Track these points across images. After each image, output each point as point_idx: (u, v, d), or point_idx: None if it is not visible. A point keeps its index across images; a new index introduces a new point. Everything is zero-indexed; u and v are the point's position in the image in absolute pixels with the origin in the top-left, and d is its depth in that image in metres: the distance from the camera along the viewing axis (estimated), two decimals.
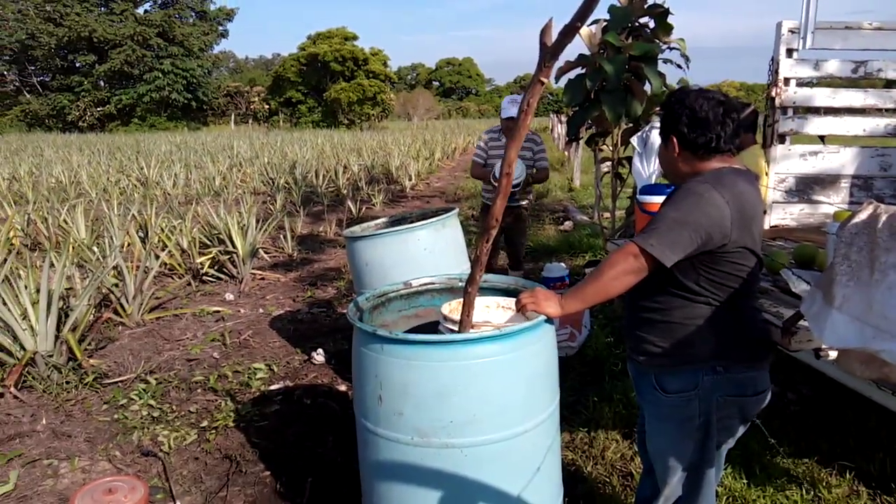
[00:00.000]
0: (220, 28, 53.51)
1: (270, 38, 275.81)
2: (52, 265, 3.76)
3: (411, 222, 3.36)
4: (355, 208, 9.38)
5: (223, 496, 2.46)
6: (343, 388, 3.44)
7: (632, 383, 3.07)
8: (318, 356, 3.82)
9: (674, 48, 4.17)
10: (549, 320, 1.76)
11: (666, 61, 4.22)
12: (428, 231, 3.15)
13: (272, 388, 3.44)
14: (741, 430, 1.73)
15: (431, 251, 3.12)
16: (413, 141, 22.65)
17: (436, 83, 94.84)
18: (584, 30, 4.24)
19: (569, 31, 1.06)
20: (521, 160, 4.04)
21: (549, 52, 1.11)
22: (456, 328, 1.84)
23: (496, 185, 3.77)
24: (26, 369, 3.38)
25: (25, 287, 3.62)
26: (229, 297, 5.22)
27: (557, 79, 4.19)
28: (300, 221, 8.06)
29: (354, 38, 51.02)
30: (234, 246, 5.69)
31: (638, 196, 2.95)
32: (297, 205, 9.96)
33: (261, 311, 4.87)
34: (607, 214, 6.80)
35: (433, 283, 2.27)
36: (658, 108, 4.22)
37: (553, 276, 4.08)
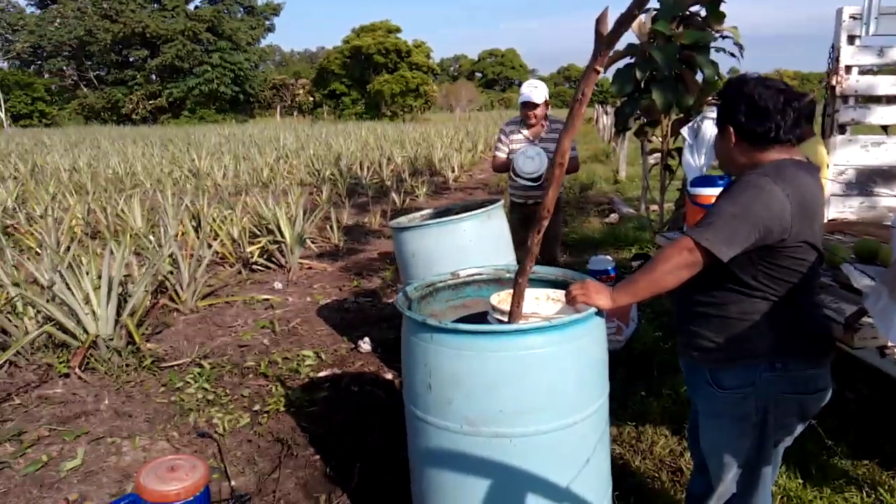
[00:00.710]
0: (267, 22, 54.53)
1: (315, 32, 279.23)
2: (111, 253, 3.91)
3: (456, 213, 3.37)
4: (399, 199, 9.45)
5: (275, 478, 2.53)
6: (389, 376, 3.49)
7: (683, 378, 3.04)
8: (365, 345, 3.88)
9: (727, 36, 4.06)
10: (600, 313, 1.75)
11: (718, 50, 4.12)
12: (473, 222, 3.16)
13: (320, 375, 3.51)
14: (799, 429, 1.69)
15: (476, 242, 3.13)
16: (456, 132, 22.63)
17: (478, 74, 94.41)
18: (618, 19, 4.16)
19: (626, 20, 1.05)
20: (547, 153, 3.79)
21: (605, 41, 1.10)
22: (504, 319, 1.85)
23: (517, 180, 3.72)
24: (89, 352, 3.54)
25: (87, 273, 3.79)
26: (278, 285, 5.34)
27: (605, 69, 4.13)
28: (345, 212, 8.18)
29: (398, 30, 51.27)
30: (282, 236, 5.82)
31: (689, 188, 2.89)
32: (343, 196, 10.10)
33: (308, 299, 4.97)
34: (655, 207, 6.68)
35: (480, 274, 2.28)
36: (710, 98, 4.12)
37: (599, 269, 4.04)
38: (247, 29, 51.36)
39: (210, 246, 5.43)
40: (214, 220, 6.55)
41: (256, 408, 3.10)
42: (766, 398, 1.59)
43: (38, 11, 52.03)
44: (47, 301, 3.59)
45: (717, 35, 3.89)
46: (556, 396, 1.68)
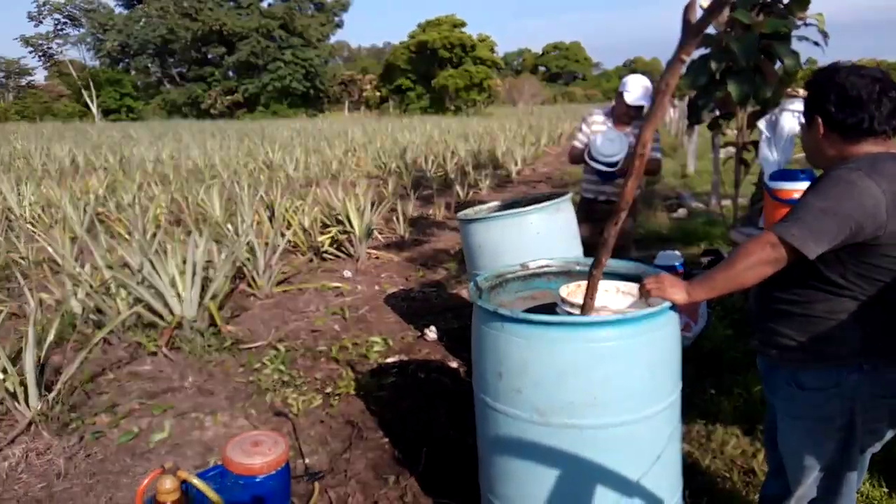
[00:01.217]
0: (336, 19, 55.62)
1: (382, 28, 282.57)
2: (195, 240, 4.13)
3: (524, 206, 3.38)
4: (463, 192, 9.51)
5: (347, 458, 2.63)
6: (454, 364, 3.55)
7: (755, 377, 2.95)
8: (431, 333, 3.96)
9: (810, 24, 3.88)
10: (674, 307, 1.74)
11: (800, 38, 3.94)
12: (541, 215, 3.17)
13: (388, 361, 3.61)
14: (890, 435, 1.63)
15: (544, 235, 3.14)
16: (519, 126, 22.47)
17: (542, 68, 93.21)
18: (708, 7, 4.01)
19: (716, 7, 1.05)
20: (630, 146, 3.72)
21: (692, 30, 1.10)
22: (573, 310, 1.86)
23: (592, 163, 3.58)
24: (174, 332, 3.77)
25: (172, 259, 4.02)
26: (347, 274, 5.50)
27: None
28: (411, 204, 8.30)
29: (463, 24, 51.26)
30: (351, 226, 5.97)
31: (769, 182, 2.80)
32: (408, 188, 10.25)
33: (376, 288, 5.10)
34: (727, 202, 6.47)
35: (550, 266, 2.29)
36: (789, 90, 3.95)
37: (666, 264, 3.96)
38: (317, 25, 52.61)
39: (283, 235, 5.65)
40: (287, 210, 6.80)
41: (328, 390, 3.22)
42: (853, 400, 1.54)
43: (126, 11, 55.02)
44: (137, 284, 3.83)
45: (799, 23, 3.73)
46: (627, 390, 1.68)
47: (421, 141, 16.84)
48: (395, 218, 7.25)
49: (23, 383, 2.80)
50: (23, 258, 5.63)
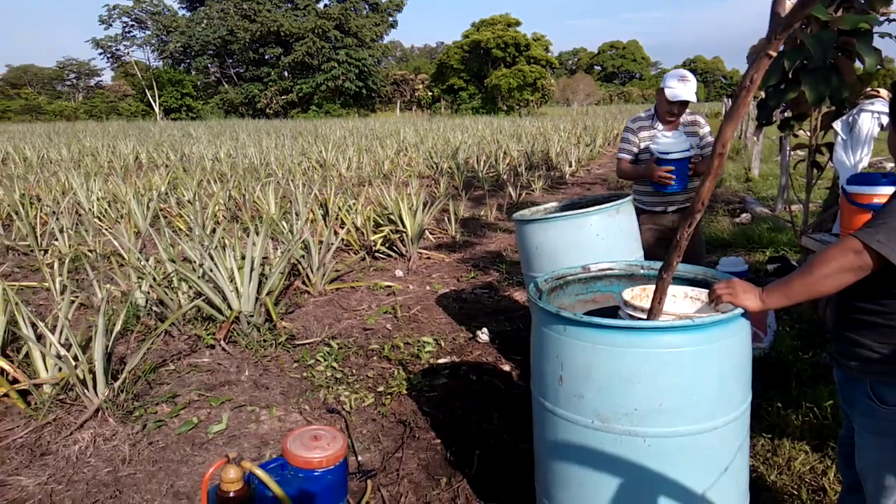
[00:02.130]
0: (390, 19, 56.21)
1: (435, 27, 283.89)
2: (254, 237, 4.22)
3: (582, 207, 3.31)
4: (515, 193, 9.44)
5: (399, 457, 2.63)
6: (507, 368, 3.51)
7: (825, 391, 2.81)
8: (483, 335, 3.92)
9: (894, 20, 3.67)
10: (746, 314, 1.66)
11: (883, 35, 3.73)
12: (601, 217, 3.09)
13: (440, 361, 3.60)
14: None
15: (603, 237, 3.06)
16: (573, 127, 22.19)
17: (597, 67, 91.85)
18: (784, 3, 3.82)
19: (809, 1, 0.98)
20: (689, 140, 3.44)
21: (782, 23, 1.04)
22: (638, 315, 1.80)
23: (662, 163, 3.37)
24: (232, 326, 3.85)
25: (230, 255, 4.11)
26: (398, 273, 5.52)
27: (749, 60, 3.85)
28: (462, 205, 8.29)
29: (517, 23, 50.97)
30: (403, 226, 6.00)
31: (846, 186, 2.65)
32: (460, 189, 10.25)
33: (427, 288, 5.10)
34: (795, 206, 6.19)
35: (612, 269, 2.23)
36: (868, 89, 3.74)
37: (729, 271, 3.81)
38: (371, 26, 53.35)
39: (336, 233, 5.72)
40: (340, 209, 6.89)
41: (380, 389, 3.23)
42: None
43: (189, 13, 57.07)
44: (198, 278, 3.94)
45: (882, 19, 3.52)
46: (694, 399, 1.61)
47: (473, 141, 16.82)
48: (446, 218, 7.25)
49: (91, 371, 2.91)
50: (91, 251, 5.88)
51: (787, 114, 3.99)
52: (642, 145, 3.57)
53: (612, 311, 2.08)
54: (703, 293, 1.83)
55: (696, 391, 1.61)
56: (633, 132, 3.59)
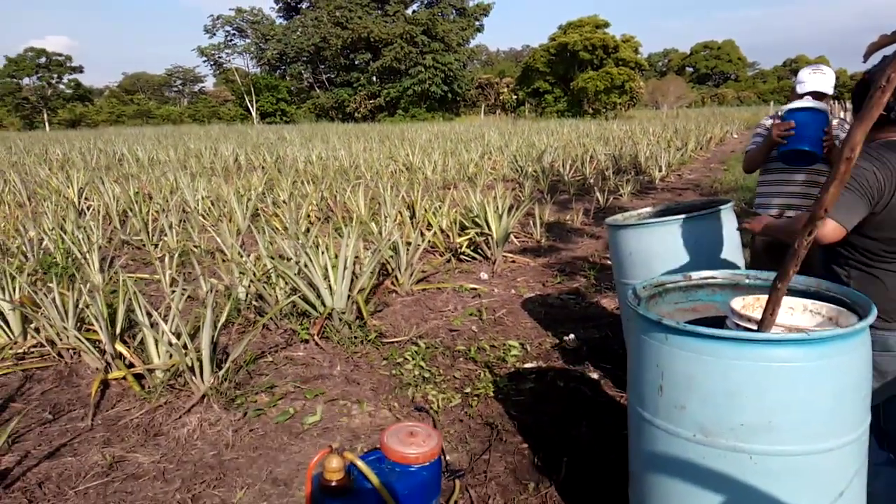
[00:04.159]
0: (477, 23, 56.52)
1: (521, 31, 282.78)
2: (347, 236, 4.37)
3: (678, 213, 3.20)
4: (602, 198, 9.25)
5: (486, 459, 2.64)
6: (595, 375, 3.45)
7: None
8: (570, 341, 3.87)
9: None
10: (867, 329, 1.55)
11: None
12: (699, 223, 2.97)
13: (526, 366, 3.58)
14: None
15: (703, 245, 2.95)
16: (663, 130, 21.49)
17: (689, 69, 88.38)
18: None
19: None
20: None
21: None
22: (747, 325, 1.73)
23: (781, 140, 3.03)
24: (325, 322, 4.00)
25: (323, 253, 4.27)
26: (483, 276, 5.54)
27: (866, 58, 3.59)
28: (547, 209, 8.21)
29: (606, 25, 49.90)
30: (488, 229, 6.02)
31: None
32: (544, 192, 10.15)
33: (512, 291, 5.09)
34: None
35: (714, 278, 2.14)
36: None
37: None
38: (458, 30, 53.87)
39: (423, 235, 5.82)
40: (427, 211, 7.00)
41: (467, 390, 3.26)
42: None
43: (285, 22, 59.81)
44: (295, 275, 4.11)
45: None
46: (807, 417, 1.52)
47: (558, 144, 16.62)
48: (531, 222, 7.21)
49: (199, 359, 3.11)
50: (196, 246, 6.27)
51: None
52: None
53: (713, 322, 2.00)
54: (823, 307, 1.73)
55: (808, 409, 1.52)
56: (766, 127, 3.35)
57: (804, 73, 3.19)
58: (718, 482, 1.60)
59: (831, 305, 1.79)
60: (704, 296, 2.15)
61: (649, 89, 55.96)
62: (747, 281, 2.08)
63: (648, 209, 3.57)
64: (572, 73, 49.30)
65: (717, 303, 2.13)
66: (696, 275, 2.14)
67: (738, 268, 3.02)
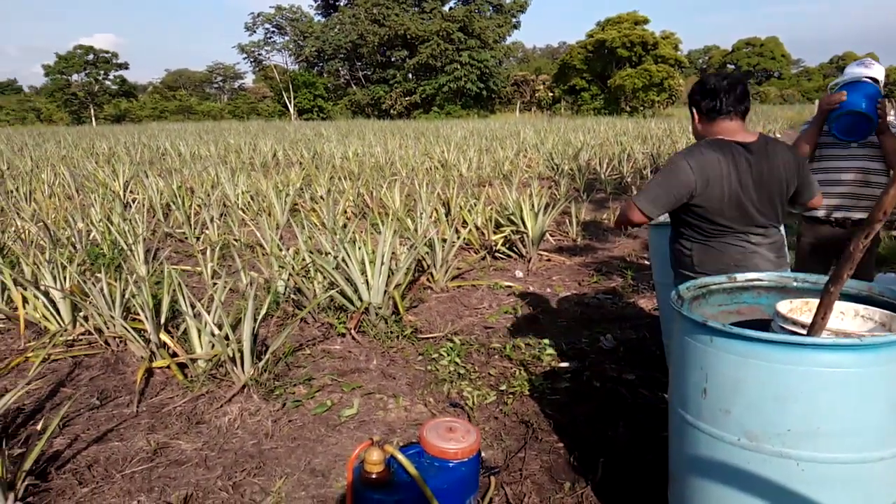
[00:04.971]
0: (514, 20, 56.22)
1: (558, 27, 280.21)
2: (384, 232, 4.40)
3: None
4: None
5: (521, 457, 2.64)
6: (631, 376, 3.41)
7: None
8: (606, 341, 3.84)
9: None
10: None
11: None
12: None
13: (561, 365, 3.56)
14: None
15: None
16: None
17: (731, 66, 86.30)
18: None
19: None
20: (867, 160, 3.00)
21: None
22: (794, 329, 1.69)
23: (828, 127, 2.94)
24: (361, 317, 4.04)
25: (360, 249, 4.31)
26: (518, 274, 5.52)
27: None
28: (584, 207, 8.13)
29: (645, 21, 49.09)
30: (524, 227, 5.99)
31: None
32: (581, 191, 10.06)
33: (548, 290, 5.06)
34: None
35: (761, 280, 2.10)
36: None
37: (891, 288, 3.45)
38: (494, 27, 53.65)
39: (458, 232, 5.82)
40: (462, 209, 7.00)
41: (502, 388, 3.26)
42: None
43: (323, 19, 60.49)
44: (333, 269, 4.16)
45: None
46: (858, 425, 1.48)
47: (594, 142, 16.44)
48: (567, 221, 7.15)
49: (240, 350, 3.18)
50: (236, 240, 6.40)
51: None
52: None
53: (756, 325, 1.96)
54: (876, 312, 1.68)
55: (860, 417, 1.48)
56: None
57: (852, 67, 3.09)
58: (763, 488, 1.57)
59: (884, 311, 1.74)
60: (750, 298, 2.10)
61: (689, 87, 54.87)
62: (795, 284, 2.04)
63: None
64: (610, 70, 48.67)
65: (763, 306, 2.08)
66: (742, 276, 2.10)
67: (783, 270, 2.95)
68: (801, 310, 1.76)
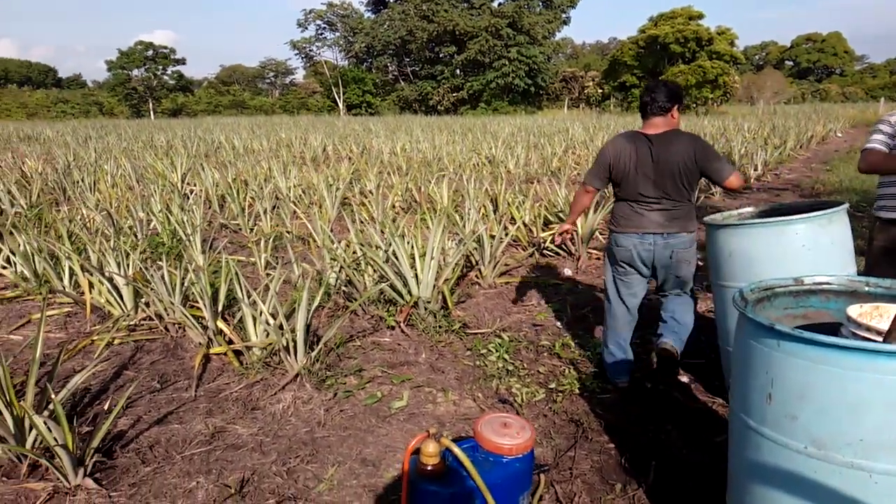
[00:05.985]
0: (563, 15, 55.54)
1: (608, 23, 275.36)
2: (435, 227, 4.42)
3: (782, 214, 3.03)
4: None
5: (571, 456, 2.62)
6: (685, 379, 3.34)
7: None
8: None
9: None
10: None
11: None
12: (809, 226, 2.80)
13: None
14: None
15: (810, 248, 2.78)
16: (759, 127, 20.39)
17: (789, 62, 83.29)
18: None
19: None
20: None
21: None
22: (866, 335, 1.62)
23: None
24: (411, 310, 4.07)
25: (409, 243, 4.35)
26: (567, 272, 5.46)
27: None
28: None
29: (700, 16, 47.73)
30: (574, 225, 5.92)
31: None
32: None
33: (598, 289, 4.99)
34: None
35: (829, 284, 2.02)
36: None
37: None
38: (544, 23, 53.11)
39: (507, 228, 5.80)
40: (510, 205, 6.97)
41: (552, 386, 3.23)
42: None
43: (373, 16, 61.08)
44: (383, 262, 4.21)
45: None
46: None
47: None
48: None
49: (294, 339, 3.25)
50: (288, 232, 6.53)
51: None
52: None
53: (823, 329, 1.89)
54: None
55: None
56: (891, 124, 3.09)
57: None
58: (831, 499, 1.51)
59: None
60: (817, 302, 2.03)
61: (744, 84, 53.14)
62: (867, 289, 1.95)
63: (750, 209, 3.41)
64: (662, 66, 47.53)
65: (831, 310, 2.01)
66: (810, 279, 2.03)
67: (850, 273, 2.84)
68: (871, 315, 1.69)
